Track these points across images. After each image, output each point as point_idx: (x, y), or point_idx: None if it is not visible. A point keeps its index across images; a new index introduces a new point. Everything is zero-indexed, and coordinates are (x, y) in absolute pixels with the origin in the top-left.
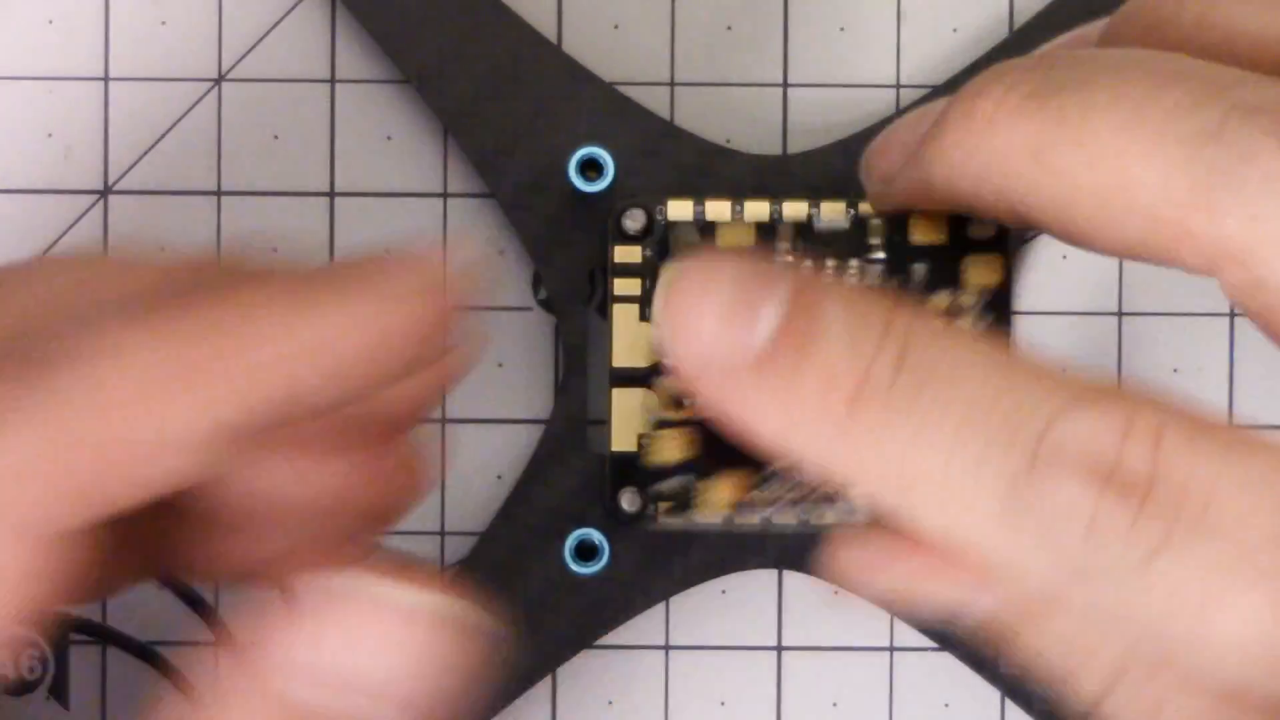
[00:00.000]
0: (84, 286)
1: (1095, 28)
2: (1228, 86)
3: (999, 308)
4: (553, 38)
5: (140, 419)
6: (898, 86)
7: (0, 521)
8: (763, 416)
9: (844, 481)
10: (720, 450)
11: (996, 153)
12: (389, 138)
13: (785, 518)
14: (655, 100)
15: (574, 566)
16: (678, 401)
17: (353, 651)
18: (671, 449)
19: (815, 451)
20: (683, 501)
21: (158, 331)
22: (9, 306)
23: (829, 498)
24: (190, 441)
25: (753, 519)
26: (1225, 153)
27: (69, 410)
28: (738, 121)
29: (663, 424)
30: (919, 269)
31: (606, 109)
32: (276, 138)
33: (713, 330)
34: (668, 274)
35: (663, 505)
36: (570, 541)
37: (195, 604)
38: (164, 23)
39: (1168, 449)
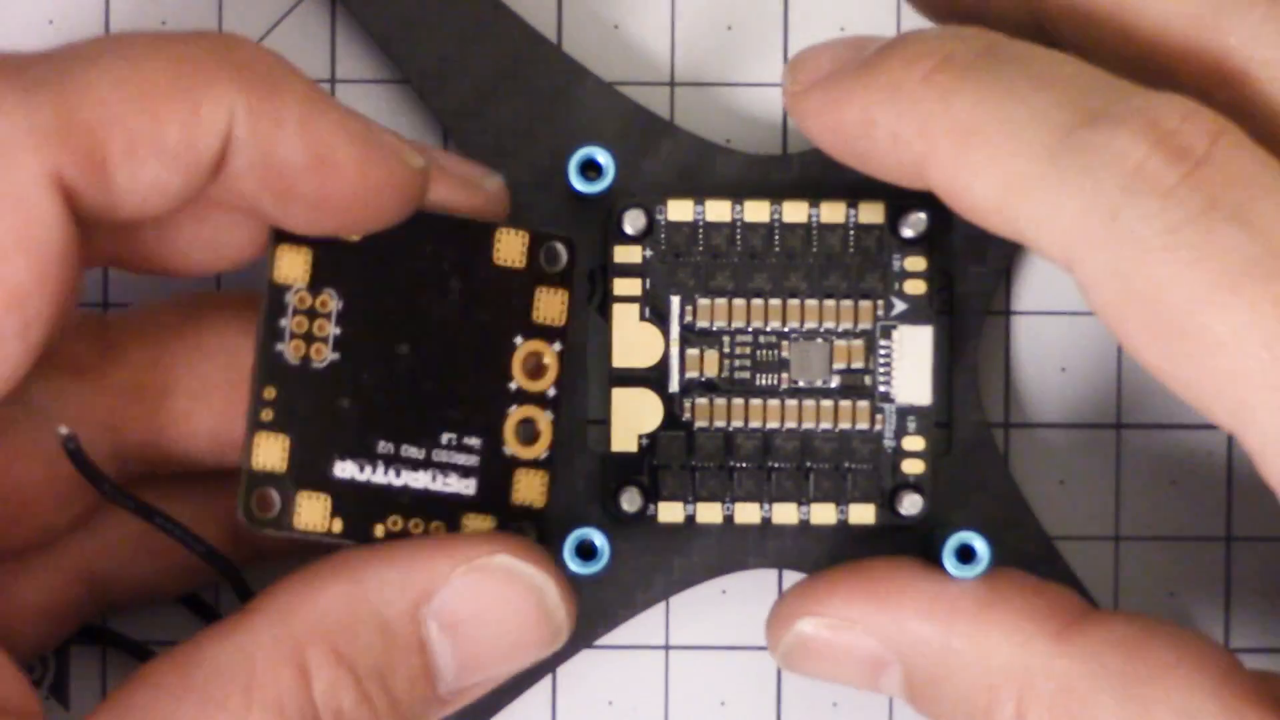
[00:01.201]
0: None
1: None
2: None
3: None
4: (553, 38)
5: (143, 113)
6: None
7: (27, 168)
8: (854, 98)
9: (911, 145)
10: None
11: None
12: None
13: None
14: (655, 100)
15: (574, 566)
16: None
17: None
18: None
19: (884, 121)
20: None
21: (176, 45)
22: None
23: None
24: (199, 136)
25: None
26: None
27: (80, 92)
28: (738, 121)
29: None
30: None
31: (606, 109)
32: None
33: (830, 58)
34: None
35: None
36: (570, 541)
37: (196, 605)
38: (164, 23)
39: (1227, 140)
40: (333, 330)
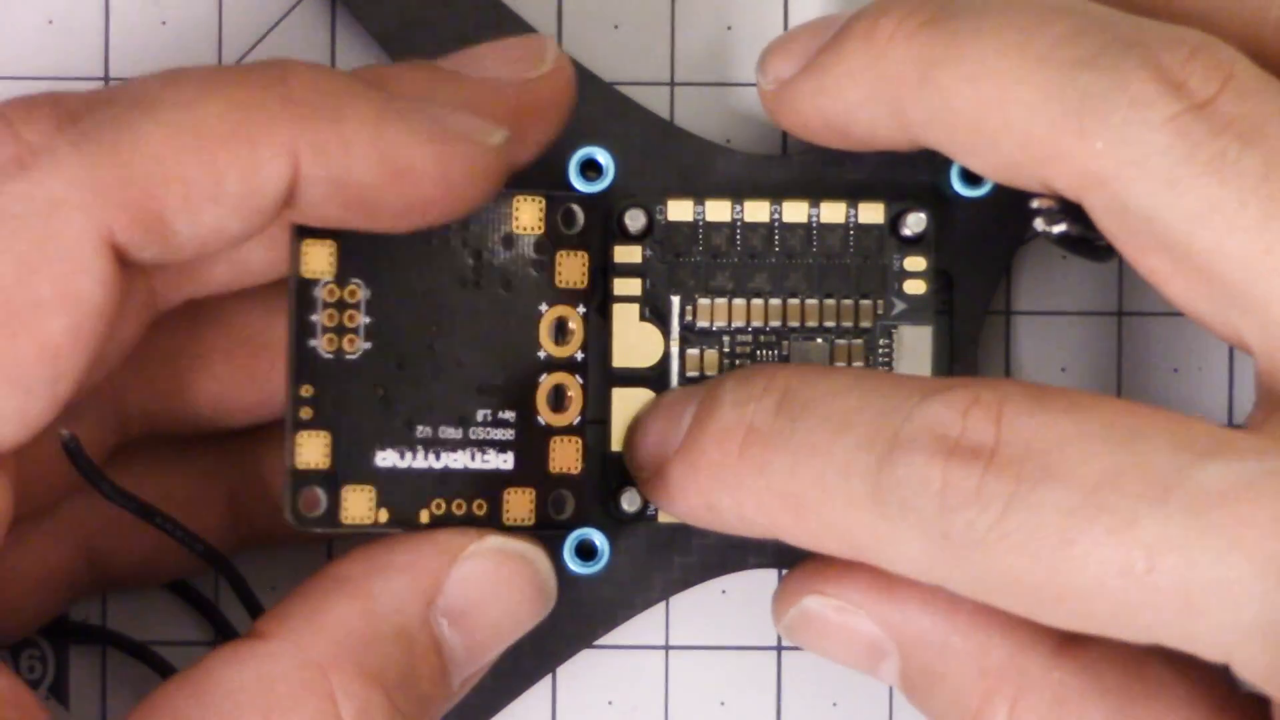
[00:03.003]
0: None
1: None
2: (1109, 23)
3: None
4: (553, 37)
5: (200, 164)
6: None
7: (77, 226)
8: (686, 492)
9: (758, 527)
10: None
11: (890, 70)
12: None
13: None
14: (655, 100)
15: (574, 566)
16: None
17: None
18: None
19: (727, 505)
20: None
21: (232, 86)
22: None
23: None
24: (254, 193)
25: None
26: (1098, 80)
27: (134, 145)
28: (738, 121)
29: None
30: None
31: (606, 109)
32: None
33: (655, 433)
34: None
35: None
36: (570, 541)
37: (190, 596)
38: (164, 23)
39: (1009, 418)
40: (363, 320)
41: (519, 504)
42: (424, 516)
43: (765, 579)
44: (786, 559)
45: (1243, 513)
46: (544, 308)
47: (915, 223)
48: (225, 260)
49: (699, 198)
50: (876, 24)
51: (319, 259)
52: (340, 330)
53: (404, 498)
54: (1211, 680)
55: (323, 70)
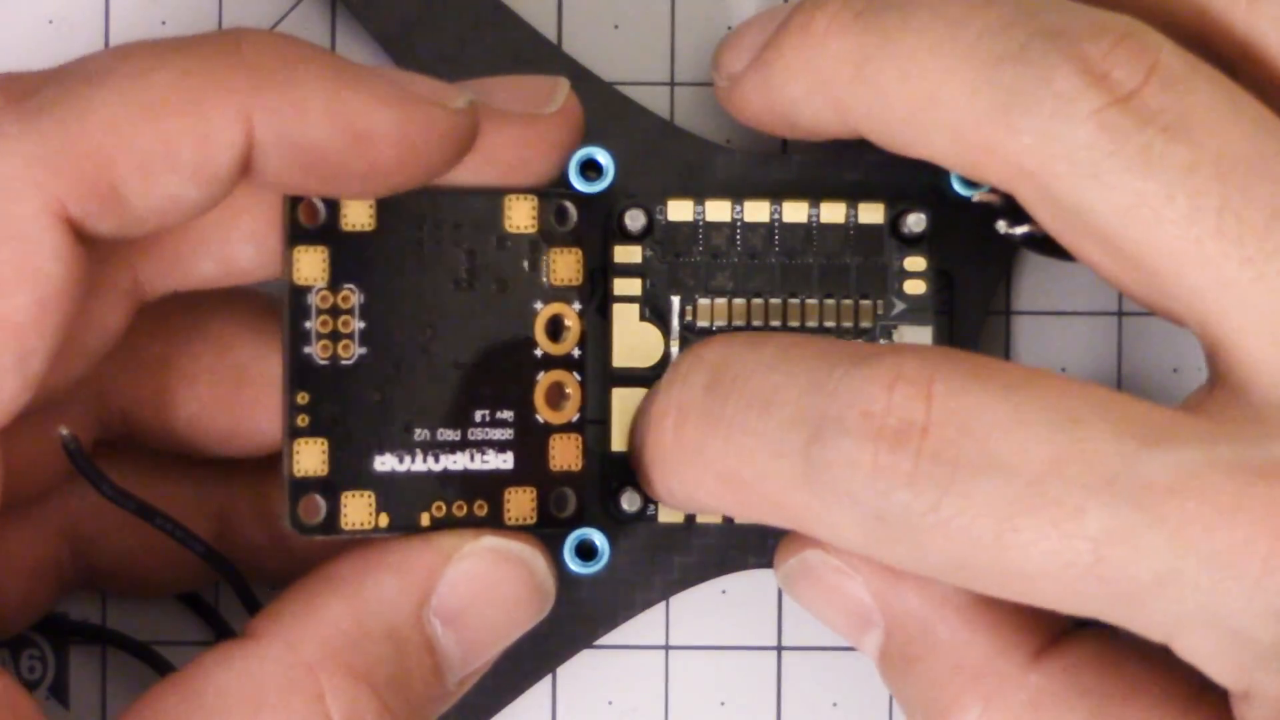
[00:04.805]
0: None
1: None
2: (1036, 11)
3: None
4: (553, 38)
5: (152, 133)
6: None
7: (28, 201)
8: (653, 480)
9: (708, 507)
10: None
11: (826, 65)
12: None
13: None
14: (655, 100)
15: (574, 566)
16: None
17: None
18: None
19: (676, 487)
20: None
21: (183, 54)
22: None
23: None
24: (211, 159)
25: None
26: (1024, 74)
27: (84, 117)
28: (737, 122)
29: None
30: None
31: (606, 109)
32: None
33: (637, 426)
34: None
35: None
36: (570, 541)
37: (196, 604)
38: (164, 23)
39: (940, 396)
40: (357, 325)
41: (520, 503)
42: (424, 519)
43: (765, 579)
44: None
45: (1188, 507)
46: (539, 305)
47: (915, 223)
48: (213, 255)
49: (699, 198)
50: (812, 18)
51: (311, 265)
52: (335, 336)
53: (404, 501)
54: (1184, 674)
55: (278, 36)
